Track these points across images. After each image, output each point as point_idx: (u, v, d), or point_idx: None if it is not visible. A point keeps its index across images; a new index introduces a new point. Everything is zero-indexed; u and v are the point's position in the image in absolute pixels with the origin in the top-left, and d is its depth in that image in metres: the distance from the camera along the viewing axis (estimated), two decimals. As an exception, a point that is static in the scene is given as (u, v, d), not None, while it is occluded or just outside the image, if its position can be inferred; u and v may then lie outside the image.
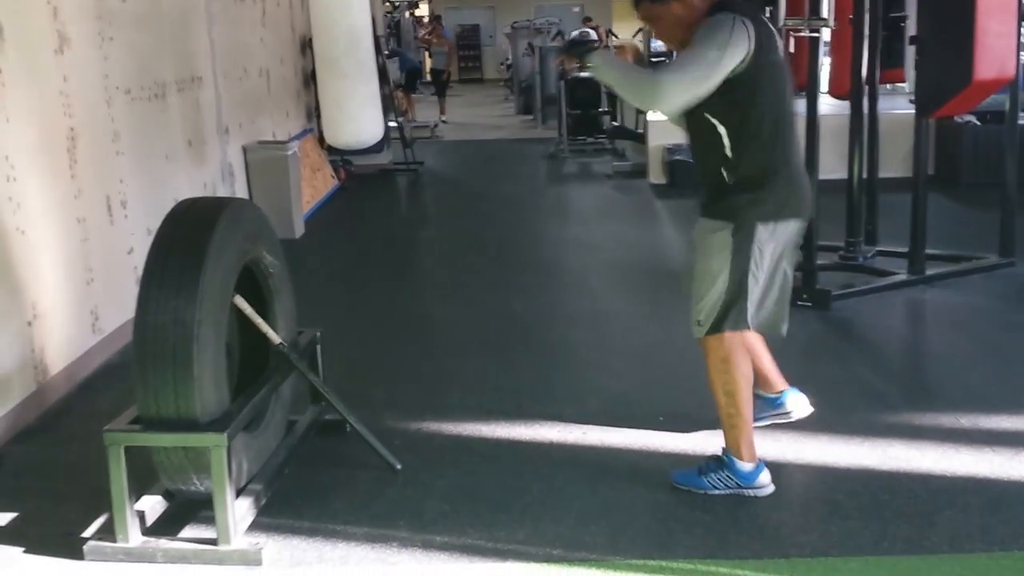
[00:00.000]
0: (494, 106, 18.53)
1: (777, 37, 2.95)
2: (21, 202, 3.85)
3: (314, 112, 9.98)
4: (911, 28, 5.48)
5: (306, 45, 9.67)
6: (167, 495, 3.03)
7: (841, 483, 3.14)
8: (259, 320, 3.19)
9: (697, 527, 2.91)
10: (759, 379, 3.38)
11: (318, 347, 3.63)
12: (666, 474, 3.19)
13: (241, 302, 3.09)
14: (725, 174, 2.90)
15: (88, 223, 4.42)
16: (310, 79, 9.80)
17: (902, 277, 5.39)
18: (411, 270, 6.33)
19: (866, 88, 5.52)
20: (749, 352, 3.20)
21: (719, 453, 3.11)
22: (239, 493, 2.93)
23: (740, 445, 3.04)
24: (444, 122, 14.32)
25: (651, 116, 9.58)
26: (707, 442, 3.44)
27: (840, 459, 3.30)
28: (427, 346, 4.73)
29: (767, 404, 3.45)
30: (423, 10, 24.30)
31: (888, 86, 7.76)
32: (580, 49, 3.12)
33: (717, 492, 3.04)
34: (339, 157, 9.58)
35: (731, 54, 2.75)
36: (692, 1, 2.91)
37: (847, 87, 5.42)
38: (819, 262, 5.20)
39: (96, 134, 4.55)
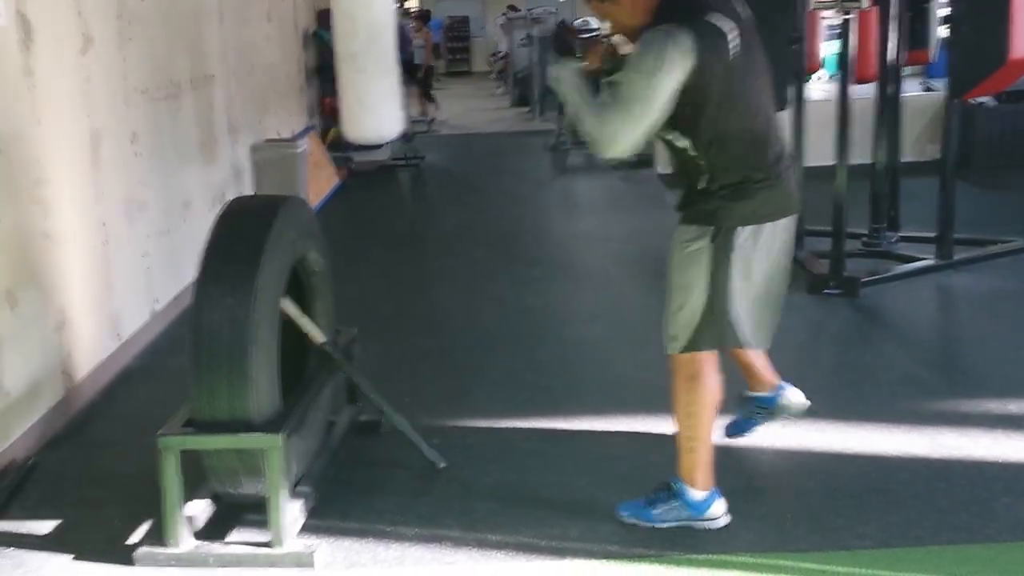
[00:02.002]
0: (487, 99, 18.50)
1: (730, 35, 2.62)
2: (49, 206, 3.84)
3: (316, 108, 9.98)
4: (935, 9, 5.52)
5: (308, 40, 9.67)
6: (214, 498, 3.03)
7: (893, 472, 3.17)
8: (305, 320, 3.20)
9: (753, 520, 2.93)
10: (750, 379, 3.29)
11: (356, 345, 3.64)
12: (714, 465, 3.20)
13: (287, 303, 3.09)
14: (700, 179, 2.72)
15: (109, 226, 4.41)
16: (312, 75, 9.81)
17: (930, 262, 5.43)
18: (422, 266, 6.34)
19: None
20: (735, 353, 3.12)
21: (666, 480, 2.95)
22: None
23: (695, 471, 2.88)
24: (429, 122, 13.86)
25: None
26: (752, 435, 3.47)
27: (889, 448, 3.33)
28: (448, 343, 4.74)
29: (761, 403, 3.34)
30: (413, 2, 24.24)
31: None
32: (556, 45, 2.86)
33: (664, 525, 2.89)
34: (341, 154, 9.57)
35: (666, 76, 2.52)
36: (637, 3, 2.68)
37: (871, 71, 5.44)
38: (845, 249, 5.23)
39: (116, 135, 4.55)
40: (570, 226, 7.39)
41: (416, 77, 14.54)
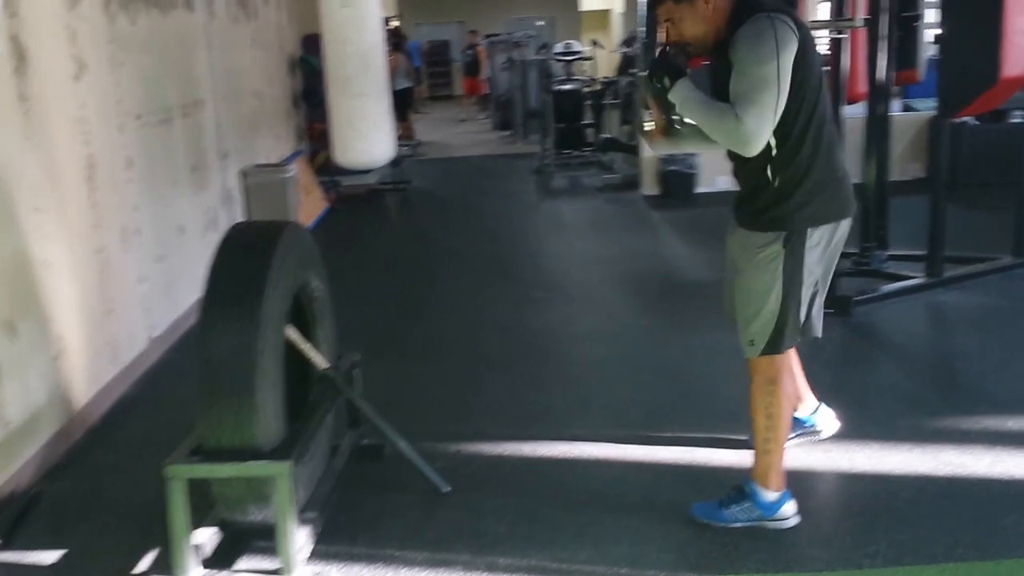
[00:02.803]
0: (469, 122, 18.54)
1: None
2: (47, 234, 3.80)
3: (304, 133, 9.97)
4: (923, 29, 5.56)
5: (295, 65, 9.67)
6: (221, 525, 2.99)
7: (899, 491, 3.17)
8: (307, 346, 3.18)
9: (763, 541, 2.92)
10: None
11: (358, 371, 3.62)
12: (721, 487, 3.20)
13: (290, 330, 3.07)
14: (771, 178, 2.78)
15: (106, 253, 4.38)
16: (299, 99, 9.80)
17: (920, 280, 5.46)
18: (417, 289, 6.31)
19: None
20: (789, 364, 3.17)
21: (741, 483, 3.03)
22: (297, 522, 2.91)
23: (769, 472, 2.96)
24: (415, 146, 13.80)
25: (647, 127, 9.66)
26: (749, 456, 3.46)
27: (894, 467, 3.33)
28: (446, 366, 4.72)
29: (796, 423, 3.40)
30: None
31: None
32: (663, 70, 2.82)
33: (737, 525, 2.96)
34: (329, 178, 9.55)
35: (785, 59, 2.60)
36: (717, 8, 2.76)
37: (860, 91, 5.48)
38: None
39: (112, 161, 4.52)
40: (562, 248, 7.39)
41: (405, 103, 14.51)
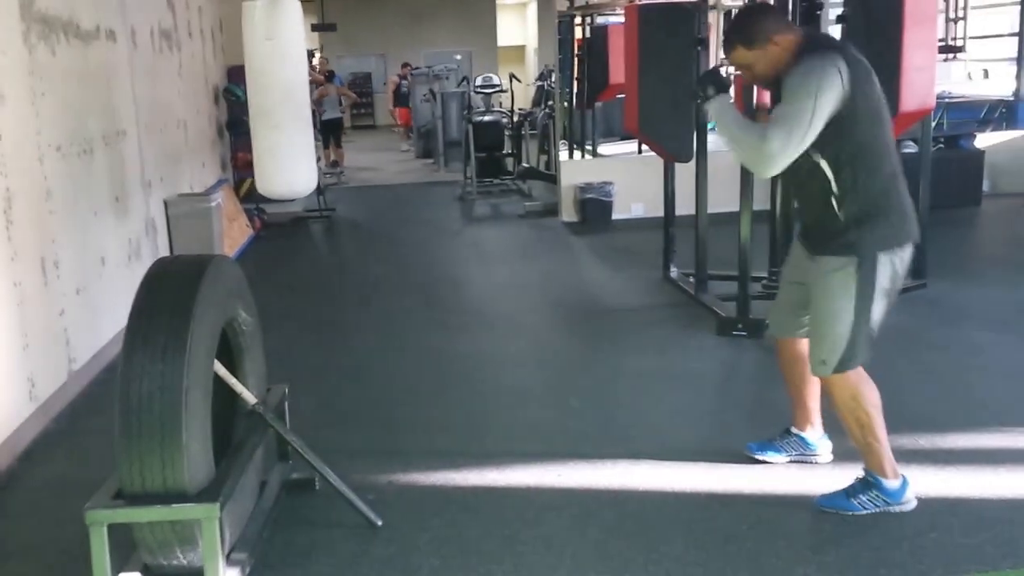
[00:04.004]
0: (392, 151, 18.34)
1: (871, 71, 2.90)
2: (-40, 267, 3.53)
3: (229, 162, 9.68)
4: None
5: (219, 96, 9.40)
6: (145, 570, 2.77)
7: (822, 512, 3.10)
8: (234, 381, 2.99)
9: (693, 567, 2.83)
10: (800, 415, 3.41)
11: (286, 404, 3.43)
12: (653, 513, 3.12)
13: (217, 365, 2.88)
14: (836, 208, 2.87)
15: (24, 286, 4.10)
16: (224, 129, 9.52)
17: (826, 304, 5.48)
18: (344, 317, 6.12)
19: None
20: (809, 383, 3.27)
21: (862, 475, 3.08)
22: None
23: (884, 463, 3.03)
24: (339, 173, 13.54)
25: (563, 157, 9.66)
26: (681, 476, 3.40)
27: (813, 488, 3.26)
28: (377, 394, 4.54)
29: (802, 441, 3.44)
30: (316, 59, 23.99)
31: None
32: (709, 82, 2.99)
33: (866, 512, 3.02)
34: (253, 206, 9.29)
35: (826, 99, 2.73)
36: (784, 41, 2.88)
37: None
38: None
39: (30, 193, 4.25)
40: (485, 274, 7.27)
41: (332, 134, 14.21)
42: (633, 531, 3.06)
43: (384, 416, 4.23)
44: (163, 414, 2.49)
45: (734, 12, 8.56)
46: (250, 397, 3.05)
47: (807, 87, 2.74)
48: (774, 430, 3.52)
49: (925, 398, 4.10)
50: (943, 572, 2.73)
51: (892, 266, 2.89)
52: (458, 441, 3.89)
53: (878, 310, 2.91)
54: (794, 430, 3.46)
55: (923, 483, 3.23)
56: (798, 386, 3.36)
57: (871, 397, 3.00)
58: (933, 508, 3.09)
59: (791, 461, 3.44)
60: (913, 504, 3.06)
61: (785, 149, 2.74)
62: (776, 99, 2.98)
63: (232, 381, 2.99)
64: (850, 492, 3.07)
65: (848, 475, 3.17)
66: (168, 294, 2.62)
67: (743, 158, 2.89)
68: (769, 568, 2.80)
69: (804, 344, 3.19)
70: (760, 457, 3.46)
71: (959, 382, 4.31)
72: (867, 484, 3.06)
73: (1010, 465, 3.38)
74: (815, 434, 3.44)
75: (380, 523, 3.14)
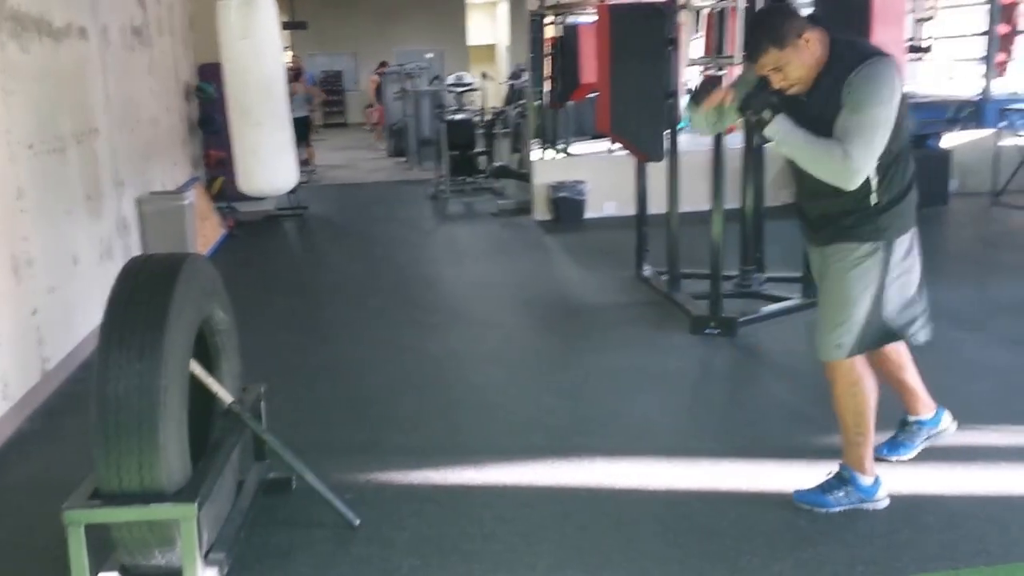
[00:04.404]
0: (364, 149, 18.26)
1: None
2: (-70, 266, 3.46)
3: (200, 160, 9.58)
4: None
5: (190, 93, 9.29)
6: (123, 571, 2.73)
7: (798, 509, 3.11)
8: (211, 381, 2.95)
9: (671, 564, 2.84)
10: (911, 402, 3.38)
11: (262, 403, 3.40)
12: (630, 510, 3.12)
13: (194, 365, 2.84)
14: (870, 202, 2.88)
15: (-5, 285, 4.03)
16: (196, 127, 9.42)
17: (796, 301, 5.53)
18: (318, 316, 6.07)
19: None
20: (905, 368, 3.29)
21: (838, 470, 3.10)
22: (204, 565, 2.68)
23: (864, 460, 3.06)
24: (310, 172, 13.45)
25: (535, 156, 9.65)
26: (658, 473, 3.40)
27: (790, 485, 3.27)
28: (353, 392, 4.51)
29: (923, 425, 3.42)
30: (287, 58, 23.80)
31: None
32: (762, 104, 2.85)
33: (839, 509, 3.04)
34: (225, 204, 9.20)
35: (894, 105, 2.76)
36: (814, 37, 2.82)
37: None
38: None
39: (2, 191, 4.18)
40: (459, 273, 7.25)
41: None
42: (611, 528, 3.06)
43: (360, 415, 4.20)
44: (140, 414, 2.45)
45: (706, 12, 8.59)
46: (227, 396, 3.02)
47: (879, 95, 2.73)
48: (744, 430, 3.53)
49: (891, 396, 4.11)
50: (917, 569, 2.75)
51: (906, 247, 2.95)
52: (435, 439, 3.87)
53: (900, 291, 2.94)
54: (911, 418, 3.43)
55: (898, 481, 3.26)
56: (894, 374, 3.33)
57: (869, 388, 3.03)
58: (907, 505, 3.11)
59: (926, 445, 3.43)
60: (886, 502, 3.09)
61: (868, 161, 2.76)
62: (811, 102, 2.86)
63: (209, 380, 2.95)
64: (825, 488, 3.09)
65: (823, 472, 3.20)
66: (144, 293, 2.58)
67: (822, 174, 2.83)
68: (746, 565, 2.81)
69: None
70: (895, 459, 3.41)
71: (933, 380, 4.26)
72: (842, 480, 3.08)
73: (982, 462, 3.42)
74: (930, 412, 3.42)
75: (358, 522, 3.12)
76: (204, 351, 3.06)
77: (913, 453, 3.44)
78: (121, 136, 6.31)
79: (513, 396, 4.40)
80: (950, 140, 9.23)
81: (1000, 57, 10.58)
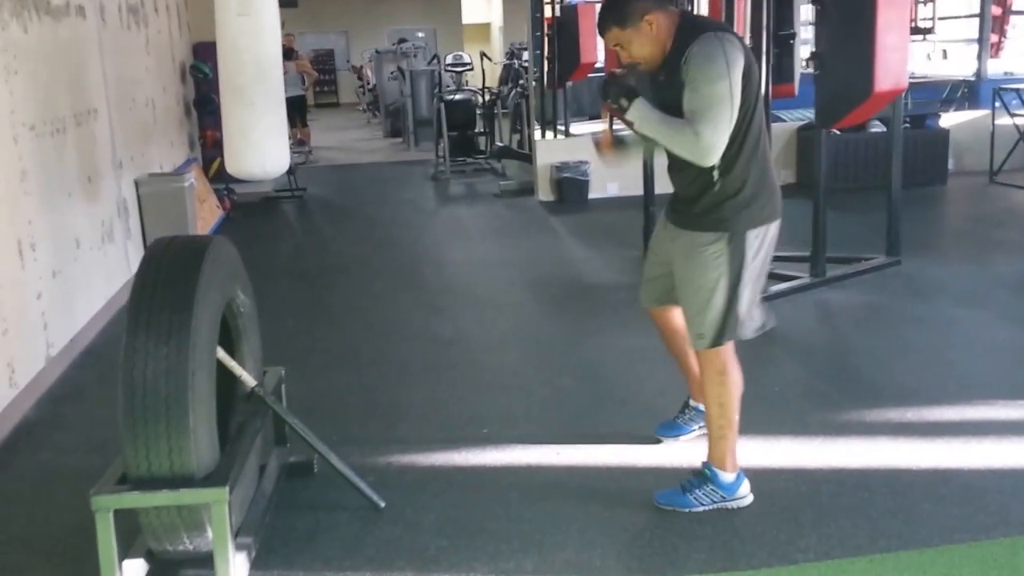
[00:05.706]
0: (359, 130, 18.20)
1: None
2: (-59, 251, 3.45)
3: (197, 141, 9.54)
4: (798, 45, 5.68)
5: (186, 72, 9.23)
6: (149, 556, 2.75)
7: (819, 485, 3.17)
8: (234, 364, 2.96)
9: (700, 541, 2.87)
10: (696, 385, 3.37)
11: (283, 386, 3.41)
12: (653, 490, 3.14)
13: (218, 348, 2.84)
14: (716, 184, 2.83)
15: (1, 270, 4.01)
16: (192, 107, 9.37)
17: (806, 280, 5.56)
18: (325, 299, 6.08)
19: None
20: (687, 364, 3.30)
21: (700, 467, 3.07)
22: (232, 548, 2.69)
23: (726, 456, 3.01)
24: (307, 152, 13.44)
25: (537, 136, 9.64)
26: (677, 453, 3.43)
27: (809, 461, 3.33)
28: (367, 377, 4.52)
29: (699, 414, 3.43)
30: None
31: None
32: (618, 92, 2.82)
33: (702, 508, 3.00)
34: (223, 186, 9.16)
35: (736, 75, 2.68)
36: (658, 20, 2.80)
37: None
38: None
39: (5, 174, 4.15)
40: (465, 253, 7.25)
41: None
42: (639, 507, 3.08)
43: (376, 399, 4.21)
44: (169, 398, 2.46)
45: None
46: (250, 380, 3.02)
47: (710, 71, 2.67)
48: (760, 407, 3.56)
49: (908, 372, 4.17)
50: (940, 541, 2.79)
51: (760, 241, 2.88)
52: (454, 422, 3.88)
53: (749, 284, 2.90)
54: (692, 403, 3.47)
55: (913, 455, 3.31)
56: (684, 359, 3.34)
57: (736, 379, 2.98)
58: (925, 479, 3.15)
59: (700, 436, 3.40)
60: (750, 499, 3.03)
61: (719, 136, 2.68)
62: (661, 86, 2.85)
63: (232, 364, 2.96)
64: (686, 488, 3.04)
65: (838, 447, 3.23)
66: (171, 276, 2.58)
67: (682, 154, 2.78)
68: (773, 540, 2.84)
69: (677, 314, 3.17)
70: (670, 439, 3.47)
71: (940, 356, 4.40)
72: (703, 478, 3.03)
73: (995, 436, 3.46)
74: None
75: (383, 505, 3.14)
76: (226, 334, 3.06)
77: (688, 438, 3.46)
78: (119, 117, 6.28)
79: (530, 378, 4.41)
80: (947, 120, 9.27)
81: (994, 38, 10.64)
